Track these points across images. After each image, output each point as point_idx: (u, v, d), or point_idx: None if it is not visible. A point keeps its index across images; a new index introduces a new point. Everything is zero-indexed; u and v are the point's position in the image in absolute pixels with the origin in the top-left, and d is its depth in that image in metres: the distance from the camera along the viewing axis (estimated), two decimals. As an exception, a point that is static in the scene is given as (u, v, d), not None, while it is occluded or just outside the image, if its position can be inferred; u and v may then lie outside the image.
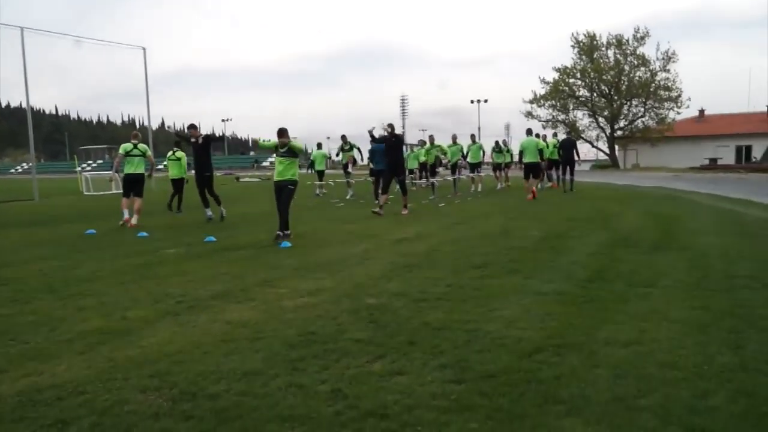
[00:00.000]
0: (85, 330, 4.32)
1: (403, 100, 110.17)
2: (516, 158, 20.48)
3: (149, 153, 12.26)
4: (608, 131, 42.93)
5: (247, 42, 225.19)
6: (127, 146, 11.73)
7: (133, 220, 11.18)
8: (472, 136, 21.00)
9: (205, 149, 11.79)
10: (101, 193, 23.38)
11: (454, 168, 19.09)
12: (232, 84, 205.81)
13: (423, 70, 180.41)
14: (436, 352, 3.56)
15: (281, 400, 2.94)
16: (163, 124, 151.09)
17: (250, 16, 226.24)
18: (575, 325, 4.03)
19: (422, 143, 20.34)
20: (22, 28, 20.89)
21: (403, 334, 3.95)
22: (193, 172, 12.47)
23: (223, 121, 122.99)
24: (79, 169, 35.69)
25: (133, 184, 11.66)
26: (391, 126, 13.00)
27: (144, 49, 26.13)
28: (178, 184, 14.67)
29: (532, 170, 16.13)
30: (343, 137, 19.14)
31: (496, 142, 21.55)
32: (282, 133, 8.97)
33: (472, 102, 66.58)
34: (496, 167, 21.53)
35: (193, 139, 11.62)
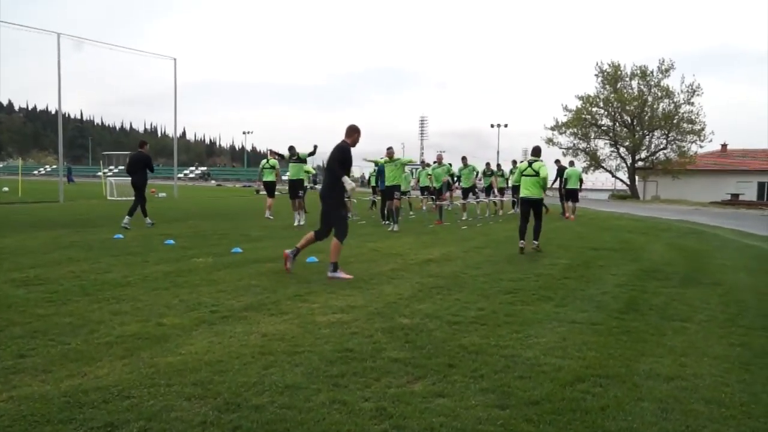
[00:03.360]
0: (123, 334, 4.37)
1: (422, 120, 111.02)
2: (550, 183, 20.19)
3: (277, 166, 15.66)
4: (629, 161, 42.72)
5: (269, 58, 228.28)
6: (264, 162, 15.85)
7: (302, 221, 13.84)
8: (464, 159, 18.82)
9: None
10: (125, 198, 23.61)
11: (467, 191, 18.48)
12: (254, 98, 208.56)
13: (443, 92, 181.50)
14: (476, 376, 3.54)
15: (326, 415, 2.94)
16: (184, 133, 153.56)
17: (274, 34, 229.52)
18: (614, 356, 4.00)
19: (424, 164, 20.30)
20: (59, 34, 21.39)
21: (440, 356, 3.95)
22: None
23: (244, 133, 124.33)
24: (102, 173, 36.19)
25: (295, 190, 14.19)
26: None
27: (174, 59, 26.60)
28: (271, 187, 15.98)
29: (572, 195, 18.40)
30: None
31: (487, 165, 20.65)
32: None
33: (492, 126, 66.76)
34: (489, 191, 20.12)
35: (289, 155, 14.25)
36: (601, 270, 7.96)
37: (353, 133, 7.25)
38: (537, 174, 9.70)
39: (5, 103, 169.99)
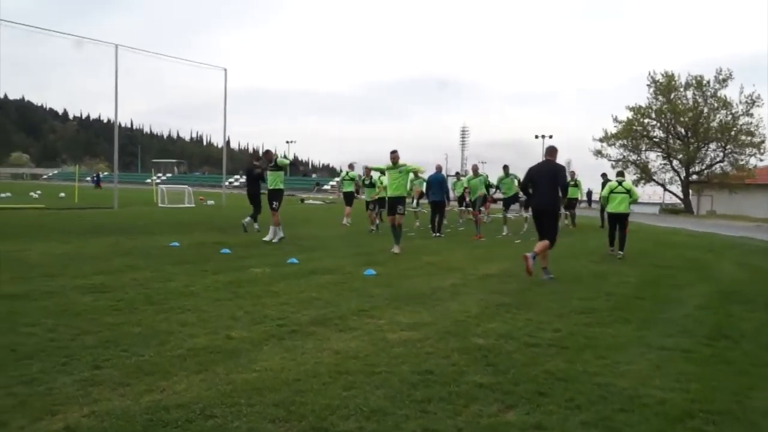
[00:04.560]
0: (194, 347, 4.29)
1: (463, 130, 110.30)
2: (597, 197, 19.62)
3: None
4: (683, 175, 41.27)
5: (310, 67, 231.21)
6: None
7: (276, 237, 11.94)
8: (505, 167, 17.39)
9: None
10: (176, 205, 24.12)
11: (509, 202, 17.08)
12: (295, 107, 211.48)
13: (485, 103, 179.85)
14: (572, 407, 3.29)
15: (421, 446, 2.75)
16: (229, 142, 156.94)
17: (316, 44, 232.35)
18: (719, 389, 3.68)
19: (459, 175, 19.73)
20: (117, 45, 22.03)
21: (527, 381, 3.71)
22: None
23: (287, 142, 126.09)
24: (151, 180, 37.14)
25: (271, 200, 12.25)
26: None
27: (225, 69, 27.10)
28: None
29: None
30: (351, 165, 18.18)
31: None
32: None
33: (536, 137, 65.60)
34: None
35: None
36: (675, 290, 7.56)
37: (556, 152, 8.60)
38: (627, 192, 11.34)
39: (60, 111, 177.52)
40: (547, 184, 8.25)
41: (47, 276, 7.02)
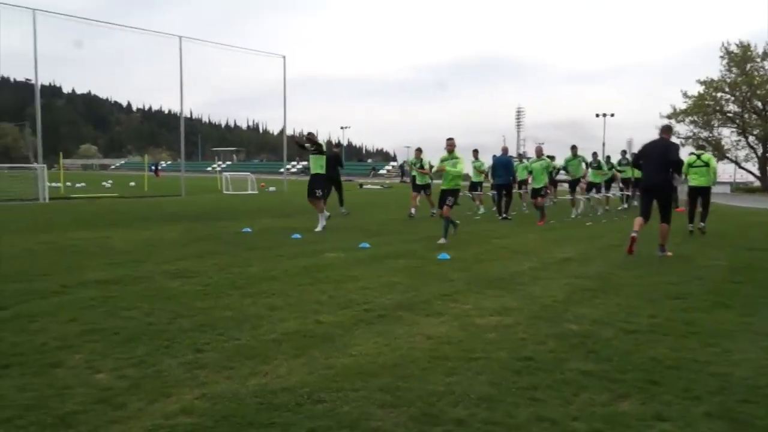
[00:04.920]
0: (286, 331, 4.33)
1: (518, 111, 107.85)
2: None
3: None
4: (760, 152, 38.94)
5: (365, 53, 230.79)
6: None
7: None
8: (573, 147, 17.00)
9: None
10: (240, 192, 24.72)
11: (575, 184, 16.75)
12: (347, 93, 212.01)
13: (540, 82, 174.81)
14: (691, 397, 3.12)
15: (539, 435, 2.66)
16: (284, 129, 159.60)
17: (366, 30, 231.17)
18: None
19: (522, 157, 18.90)
20: (180, 36, 22.58)
21: (634, 369, 3.55)
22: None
23: (341, 128, 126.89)
24: (212, 168, 38.18)
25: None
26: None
27: (284, 57, 27.37)
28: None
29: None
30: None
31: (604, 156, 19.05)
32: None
33: (597, 116, 63.42)
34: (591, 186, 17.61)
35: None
36: (772, 274, 7.11)
37: (670, 130, 8.78)
38: (707, 165, 10.99)
39: (124, 104, 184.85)
40: (656, 161, 8.34)
41: (134, 262, 7.29)
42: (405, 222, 13.63)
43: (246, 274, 6.58)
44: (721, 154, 39.87)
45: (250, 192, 25.68)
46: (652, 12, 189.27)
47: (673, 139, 9.01)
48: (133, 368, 3.52)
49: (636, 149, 18.99)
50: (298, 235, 10.08)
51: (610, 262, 7.95)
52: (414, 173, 15.84)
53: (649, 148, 8.58)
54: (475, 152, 17.77)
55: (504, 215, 14.30)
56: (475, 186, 17.20)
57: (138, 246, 8.74)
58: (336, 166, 15.14)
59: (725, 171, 51.33)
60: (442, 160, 10.23)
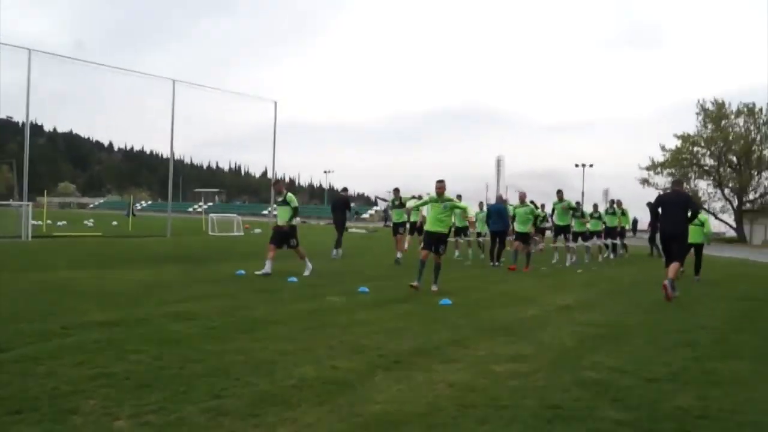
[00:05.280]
0: (304, 377, 4.23)
1: (498, 160, 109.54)
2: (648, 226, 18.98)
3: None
4: (734, 203, 40.05)
5: (348, 100, 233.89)
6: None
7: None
8: (559, 192, 16.74)
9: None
10: (226, 234, 24.49)
11: (561, 230, 16.47)
12: (332, 139, 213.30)
13: (520, 133, 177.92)
14: (729, 448, 3.10)
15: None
16: (265, 172, 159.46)
17: (347, 79, 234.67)
18: None
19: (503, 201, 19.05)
20: (174, 80, 22.78)
21: (665, 419, 3.53)
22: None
23: (325, 172, 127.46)
24: (195, 209, 37.90)
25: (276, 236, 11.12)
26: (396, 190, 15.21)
27: (275, 102, 27.68)
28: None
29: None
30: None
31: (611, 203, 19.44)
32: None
33: (576, 166, 64.74)
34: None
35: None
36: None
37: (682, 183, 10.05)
38: (702, 224, 12.40)
39: (106, 143, 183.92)
40: (678, 212, 9.22)
41: (133, 303, 7.12)
42: (396, 267, 13.59)
43: (250, 318, 6.46)
44: (698, 205, 40.89)
45: (235, 233, 25.49)
46: (623, 70, 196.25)
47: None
48: (153, 415, 3.39)
49: (613, 198, 19.17)
50: (294, 279, 9.97)
51: (610, 309, 7.98)
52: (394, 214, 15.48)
53: (668, 200, 9.64)
54: (459, 198, 17.89)
55: (496, 262, 14.35)
56: (459, 232, 17.18)
57: (133, 287, 8.55)
58: (344, 209, 15.89)
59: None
60: (432, 201, 9.71)
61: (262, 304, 7.43)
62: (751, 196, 39.99)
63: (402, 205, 14.62)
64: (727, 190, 40.19)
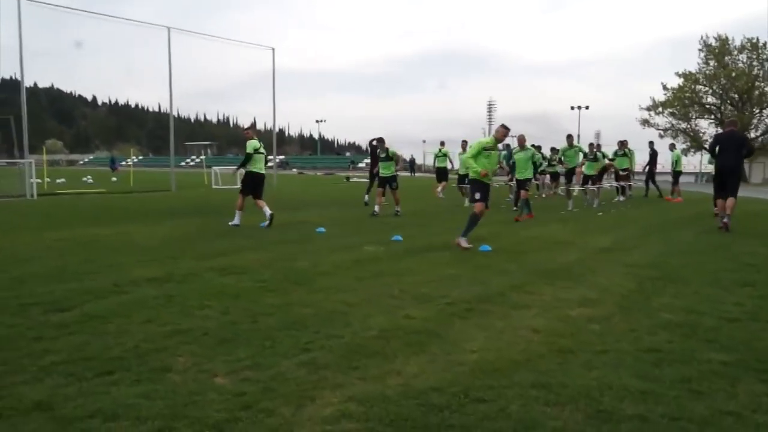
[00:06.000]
0: (384, 328, 4.14)
1: (490, 104, 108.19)
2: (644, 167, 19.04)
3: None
4: (735, 142, 39.99)
5: (333, 45, 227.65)
6: (256, 143, 10.84)
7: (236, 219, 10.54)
8: (569, 137, 16.94)
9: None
10: (230, 186, 24.13)
11: (571, 175, 16.82)
12: (319, 87, 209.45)
13: (508, 75, 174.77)
14: None
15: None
16: (254, 123, 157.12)
17: (333, 22, 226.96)
18: None
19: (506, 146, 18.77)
20: (169, 28, 21.93)
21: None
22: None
23: (317, 122, 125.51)
24: (187, 162, 37.39)
25: (262, 183, 11.01)
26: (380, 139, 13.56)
27: (273, 48, 26.86)
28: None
29: (678, 177, 19.16)
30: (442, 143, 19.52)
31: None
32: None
33: (572, 108, 64.01)
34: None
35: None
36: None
37: (737, 123, 10.20)
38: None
39: (89, 98, 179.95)
40: (734, 149, 10.01)
41: (170, 258, 6.97)
42: (424, 213, 13.48)
43: (296, 270, 6.35)
44: (698, 144, 40.81)
45: (239, 186, 25.13)
46: (616, 5, 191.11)
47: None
48: (250, 371, 3.30)
49: (604, 141, 18.87)
50: (322, 229, 9.83)
51: (649, 251, 7.93)
52: (440, 164, 16.35)
53: (724, 138, 10.34)
54: (464, 143, 17.62)
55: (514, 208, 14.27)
56: (463, 179, 16.90)
57: (163, 242, 8.39)
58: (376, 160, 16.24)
59: (689, 162, 52.42)
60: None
61: (303, 255, 7.31)
62: (752, 135, 39.86)
63: (389, 157, 13.01)
64: (728, 129, 40.03)
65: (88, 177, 30.65)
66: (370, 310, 4.66)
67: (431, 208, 15.27)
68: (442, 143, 18.96)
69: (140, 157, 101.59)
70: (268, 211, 10.47)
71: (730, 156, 10.06)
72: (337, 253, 7.51)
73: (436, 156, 19.23)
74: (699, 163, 50.83)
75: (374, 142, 14.05)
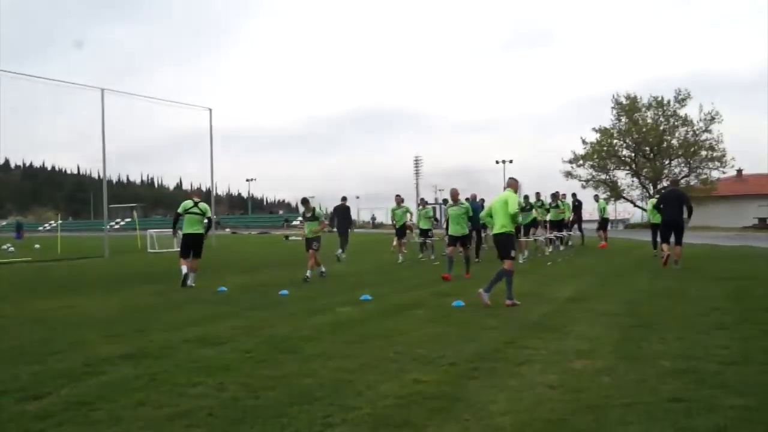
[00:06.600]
0: (398, 395, 3.99)
1: (416, 160, 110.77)
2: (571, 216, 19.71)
3: (209, 213, 11.74)
4: (651, 191, 42.75)
5: (259, 105, 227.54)
6: (187, 204, 11.09)
7: (190, 281, 10.75)
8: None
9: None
10: (167, 250, 23.18)
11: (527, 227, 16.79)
12: (246, 146, 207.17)
13: (432, 132, 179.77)
14: None
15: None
16: (180, 183, 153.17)
17: (259, 83, 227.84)
18: None
19: (424, 202, 18.96)
20: (103, 89, 21.37)
21: (783, 401, 3.61)
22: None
23: (247, 180, 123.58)
24: (111, 226, 35.67)
25: (193, 244, 11.08)
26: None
27: (210, 109, 26.63)
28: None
29: (605, 225, 20.44)
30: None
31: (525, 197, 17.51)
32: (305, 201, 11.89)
33: (497, 162, 65.93)
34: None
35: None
36: None
37: (678, 183, 11.66)
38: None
39: (1, 161, 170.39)
40: (677, 205, 11.87)
41: (138, 331, 6.52)
42: (378, 271, 13.40)
43: (278, 337, 6.09)
44: (617, 194, 43.35)
45: (177, 249, 24.17)
46: (522, 68, 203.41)
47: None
48: (277, 454, 3.06)
49: (527, 193, 18.55)
50: (285, 291, 9.54)
51: (616, 299, 8.19)
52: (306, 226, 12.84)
53: (668, 196, 12.44)
54: (423, 201, 18.22)
55: (476, 259, 14.68)
56: (425, 233, 17.15)
57: (121, 314, 7.87)
58: (345, 216, 17.64)
59: (625, 210, 55.59)
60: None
61: (277, 320, 7.04)
62: (664, 183, 42.81)
63: (315, 217, 12.37)
64: (643, 178, 42.86)
65: (9, 245, 28.53)
66: (375, 376, 4.50)
67: (387, 265, 15.19)
68: (401, 199, 17.55)
69: (59, 222, 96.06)
70: (184, 269, 10.80)
71: (675, 211, 11.85)
72: (313, 316, 7.29)
73: (394, 211, 17.85)
74: (614, 211, 54.02)
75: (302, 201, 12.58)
